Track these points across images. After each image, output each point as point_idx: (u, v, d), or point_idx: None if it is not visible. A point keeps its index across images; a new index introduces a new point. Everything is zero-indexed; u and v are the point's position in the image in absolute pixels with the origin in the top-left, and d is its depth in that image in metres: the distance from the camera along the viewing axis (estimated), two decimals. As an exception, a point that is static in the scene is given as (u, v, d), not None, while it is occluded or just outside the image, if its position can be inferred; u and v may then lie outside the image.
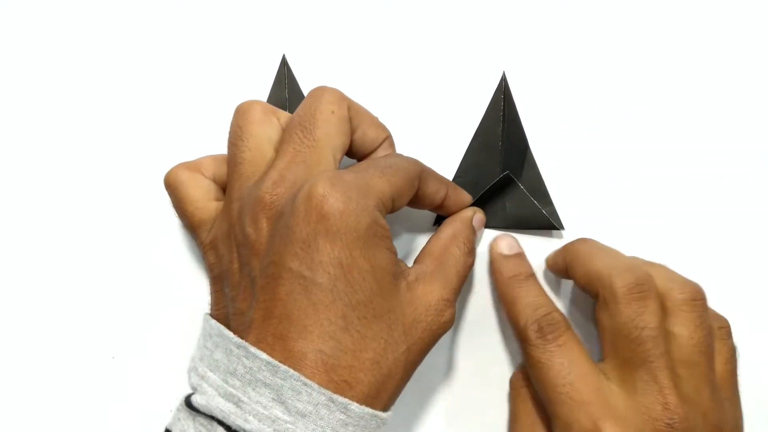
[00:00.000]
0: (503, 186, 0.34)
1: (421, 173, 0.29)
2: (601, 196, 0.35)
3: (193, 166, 0.31)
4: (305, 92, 0.37)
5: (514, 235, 0.34)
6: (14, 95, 0.37)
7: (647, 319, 0.27)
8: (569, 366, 0.28)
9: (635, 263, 0.29)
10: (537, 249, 0.34)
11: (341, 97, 0.29)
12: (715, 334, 0.29)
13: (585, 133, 0.36)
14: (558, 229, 0.34)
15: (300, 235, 0.25)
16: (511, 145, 0.35)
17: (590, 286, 0.29)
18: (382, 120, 0.37)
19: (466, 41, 0.37)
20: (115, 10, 0.38)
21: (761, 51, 0.37)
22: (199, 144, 0.36)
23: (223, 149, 0.36)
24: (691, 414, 0.26)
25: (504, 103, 0.36)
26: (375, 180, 0.27)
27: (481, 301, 0.34)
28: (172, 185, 0.31)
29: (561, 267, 0.32)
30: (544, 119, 0.36)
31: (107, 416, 0.33)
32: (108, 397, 0.34)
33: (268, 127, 0.29)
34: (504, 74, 0.36)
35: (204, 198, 0.30)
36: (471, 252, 0.30)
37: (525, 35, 0.37)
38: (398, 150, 0.36)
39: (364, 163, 0.28)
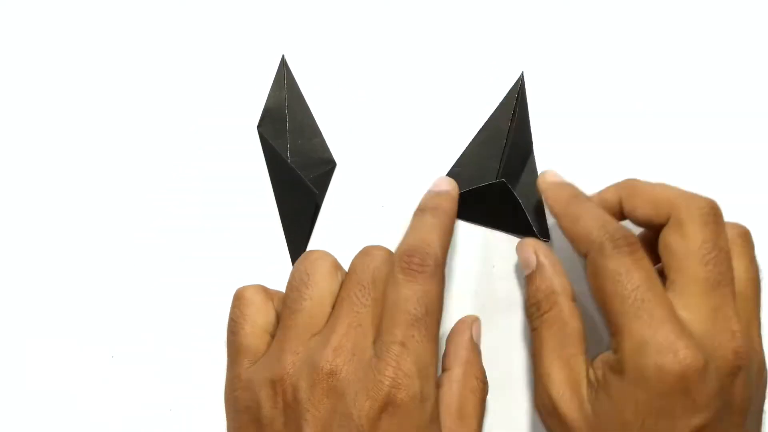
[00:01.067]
0: (497, 191, 0.34)
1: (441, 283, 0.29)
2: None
3: (270, 294, 0.31)
4: (305, 93, 0.37)
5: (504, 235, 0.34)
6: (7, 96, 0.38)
7: (723, 243, 0.27)
8: (647, 282, 0.27)
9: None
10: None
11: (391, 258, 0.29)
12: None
13: (593, 144, 0.36)
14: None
15: (363, 428, 0.25)
16: (515, 146, 0.35)
17: (661, 211, 0.29)
18: (385, 119, 0.37)
19: (479, 41, 0.37)
20: (114, 11, 0.38)
21: (764, 52, 0.37)
22: (198, 144, 0.37)
23: (221, 150, 0.37)
24: (749, 347, 0.26)
25: (517, 103, 0.36)
26: (422, 347, 0.27)
27: (482, 299, 0.34)
28: (242, 299, 0.30)
29: (612, 203, 0.31)
30: (553, 127, 0.36)
31: (106, 416, 0.34)
32: (107, 397, 0.34)
33: (333, 281, 0.29)
34: (522, 74, 0.36)
35: (264, 328, 0.30)
36: (484, 384, 0.31)
37: (547, 40, 0.37)
38: (398, 146, 0.36)
39: (402, 323, 0.27)
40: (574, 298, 0.30)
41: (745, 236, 0.29)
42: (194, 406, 0.33)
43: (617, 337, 0.27)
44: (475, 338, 0.32)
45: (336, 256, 0.31)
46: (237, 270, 0.35)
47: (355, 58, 0.38)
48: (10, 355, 0.34)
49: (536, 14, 0.38)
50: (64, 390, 0.34)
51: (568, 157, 0.36)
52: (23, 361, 0.34)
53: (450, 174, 0.35)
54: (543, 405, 0.29)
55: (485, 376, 0.31)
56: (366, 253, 0.29)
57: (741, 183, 0.36)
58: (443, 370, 0.31)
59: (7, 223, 0.36)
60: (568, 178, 0.33)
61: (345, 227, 0.36)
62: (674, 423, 0.25)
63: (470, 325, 0.32)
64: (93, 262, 0.35)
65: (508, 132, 0.35)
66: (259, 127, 0.37)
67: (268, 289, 0.31)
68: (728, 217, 0.33)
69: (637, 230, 0.32)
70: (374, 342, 0.27)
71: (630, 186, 0.31)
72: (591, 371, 0.28)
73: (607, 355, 0.27)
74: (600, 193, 0.32)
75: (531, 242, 0.32)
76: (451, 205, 0.32)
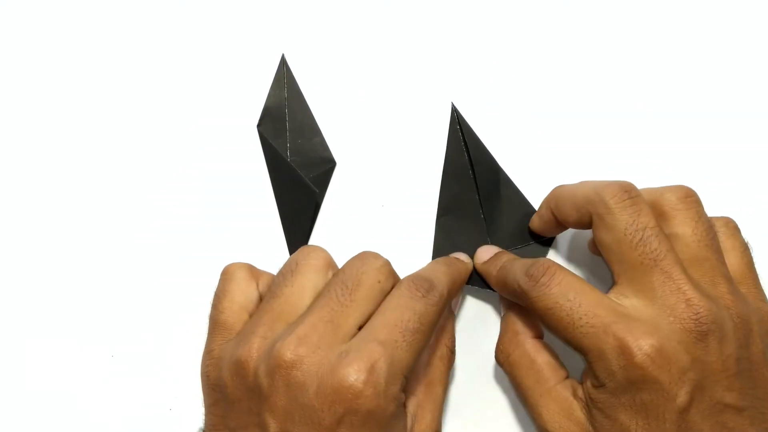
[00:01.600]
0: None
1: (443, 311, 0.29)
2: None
3: (254, 273, 0.31)
4: (305, 92, 0.37)
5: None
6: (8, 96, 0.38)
7: (644, 220, 0.27)
8: (577, 298, 0.27)
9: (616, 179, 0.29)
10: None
11: (391, 272, 0.29)
12: (722, 231, 0.29)
13: (547, 142, 0.36)
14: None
15: (324, 422, 0.25)
16: (481, 171, 0.35)
17: (582, 212, 0.29)
18: (385, 118, 0.37)
19: (475, 35, 0.37)
20: (113, 11, 0.38)
21: (739, 51, 0.37)
22: (198, 144, 0.37)
23: (221, 150, 0.37)
24: (714, 308, 0.26)
25: (462, 133, 0.36)
26: (401, 355, 0.26)
27: (481, 298, 0.34)
28: (226, 274, 0.31)
29: (548, 218, 0.32)
30: (506, 135, 0.36)
31: (106, 415, 0.33)
32: (107, 396, 0.34)
33: (320, 277, 0.29)
34: (453, 105, 0.36)
35: (243, 305, 0.30)
36: (452, 353, 0.31)
37: (467, 63, 0.37)
38: (398, 146, 0.36)
39: (392, 327, 0.27)
40: (541, 335, 0.31)
41: (686, 199, 0.29)
42: (194, 406, 0.33)
43: (584, 357, 0.27)
44: (452, 305, 0.32)
45: (335, 255, 0.31)
46: (237, 270, 0.35)
47: (355, 57, 0.38)
48: (10, 355, 0.34)
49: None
50: (64, 390, 0.34)
51: (566, 157, 0.36)
52: (23, 361, 0.34)
53: (438, 225, 0.35)
54: None
55: (454, 345, 0.31)
56: (361, 256, 0.29)
57: (740, 183, 0.35)
58: None
59: (7, 223, 0.36)
60: (564, 178, 0.33)
61: (345, 226, 0.35)
62: (663, 411, 0.25)
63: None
64: (93, 262, 0.35)
65: (469, 163, 0.35)
66: (258, 126, 0.37)
67: (255, 268, 0.31)
68: (725, 213, 0.33)
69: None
70: (349, 340, 0.27)
71: (554, 197, 0.32)
72: (579, 390, 0.28)
73: (586, 373, 0.28)
74: (537, 212, 0.33)
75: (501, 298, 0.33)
76: (466, 267, 0.32)
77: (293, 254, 0.30)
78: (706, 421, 0.25)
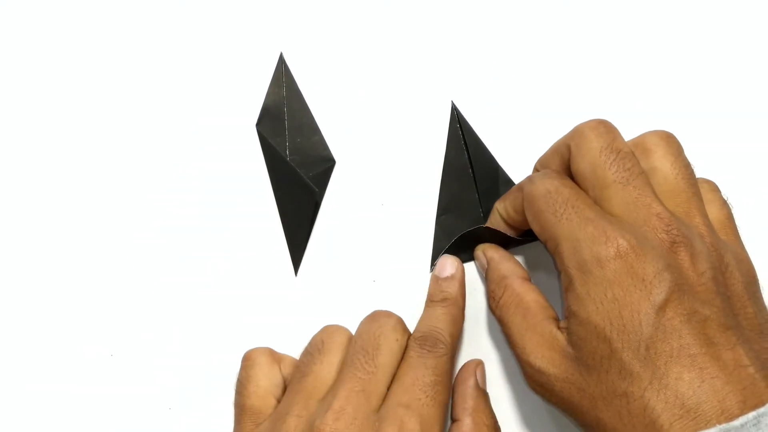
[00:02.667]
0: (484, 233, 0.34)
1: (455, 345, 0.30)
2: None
3: (276, 357, 0.31)
4: (303, 91, 0.37)
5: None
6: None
7: (619, 144, 0.28)
8: (575, 195, 0.28)
9: None
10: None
11: (404, 329, 0.30)
12: (704, 187, 0.30)
13: (547, 142, 0.35)
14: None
15: None
16: (481, 170, 0.35)
17: (563, 151, 0.30)
18: (385, 117, 0.37)
19: (474, 34, 0.37)
20: (113, 10, 0.38)
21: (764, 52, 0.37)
22: (198, 144, 0.37)
23: (220, 150, 0.37)
24: (685, 229, 0.26)
25: (462, 132, 0.36)
26: (428, 411, 0.27)
27: (478, 299, 0.34)
28: (248, 360, 0.31)
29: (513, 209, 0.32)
30: (506, 135, 0.36)
31: (106, 415, 0.34)
32: (107, 396, 0.34)
33: (344, 354, 0.30)
34: (453, 104, 0.36)
35: (268, 389, 0.30)
36: (496, 431, 0.30)
37: (468, 62, 0.37)
38: (398, 144, 0.36)
39: (410, 387, 0.28)
40: (528, 278, 0.31)
41: (667, 138, 0.29)
42: (194, 405, 0.33)
43: (557, 251, 0.27)
44: (480, 383, 0.31)
45: (336, 254, 0.31)
46: (237, 270, 0.35)
47: (354, 55, 0.37)
48: (10, 355, 0.34)
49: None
50: (64, 389, 0.34)
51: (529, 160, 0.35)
52: (23, 361, 0.34)
53: (438, 223, 0.35)
54: (534, 381, 0.28)
55: (495, 422, 0.30)
56: (373, 318, 0.30)
57: (740, 182, 0.35)
58: (452, 421, 0.30)
59: (7, 223, 0.36)
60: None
61: (345, 225, 0.35)
62: (638, 308, 0.25)
63: (474, 370, 0.31)
64: (93, 262, 0.35)
65: (468, 161, 0.35)
66: (257, 125, 0.37)
67: (275, 352, 0.32)
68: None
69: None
70: (379, 408, 0.27)
71: (539, 161, 0.32)
72: (563, 322, 0.28)
73: (561, 281, 0.28)
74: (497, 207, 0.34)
75: (480, 247, 0.33)
76: (458, 290, 0.32)
77: (316, 334, 0.31)
78: (686, 326, 0.25)
